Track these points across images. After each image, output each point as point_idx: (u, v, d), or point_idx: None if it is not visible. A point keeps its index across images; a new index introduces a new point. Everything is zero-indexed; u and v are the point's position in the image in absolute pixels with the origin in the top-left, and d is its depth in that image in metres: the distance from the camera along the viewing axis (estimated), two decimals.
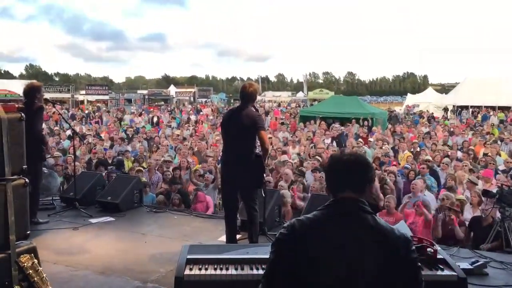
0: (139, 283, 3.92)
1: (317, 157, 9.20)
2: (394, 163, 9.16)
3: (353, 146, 10.92)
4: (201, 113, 27.11)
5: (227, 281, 3.08)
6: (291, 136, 13.69)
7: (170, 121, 21.02)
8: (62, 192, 7.12)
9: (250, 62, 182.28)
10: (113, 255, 4.66)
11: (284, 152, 10.37)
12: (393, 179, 7.37)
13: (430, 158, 9.25)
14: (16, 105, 2.73)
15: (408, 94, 41.32)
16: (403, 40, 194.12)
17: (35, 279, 2.16)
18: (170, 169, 8.26)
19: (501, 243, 4.98)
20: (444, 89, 63.08)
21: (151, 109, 30.32)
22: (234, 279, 3.08)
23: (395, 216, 5.93)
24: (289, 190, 6.81)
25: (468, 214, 6.11)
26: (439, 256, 3.34)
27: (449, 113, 27.54)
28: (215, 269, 3.14)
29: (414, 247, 1.70)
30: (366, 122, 17.09)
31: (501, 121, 21.39)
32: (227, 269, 3.14)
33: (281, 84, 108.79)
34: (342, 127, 15.32)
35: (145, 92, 50.01)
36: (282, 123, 18.10)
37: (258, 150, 4.63)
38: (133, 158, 10.18)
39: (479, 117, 24.04)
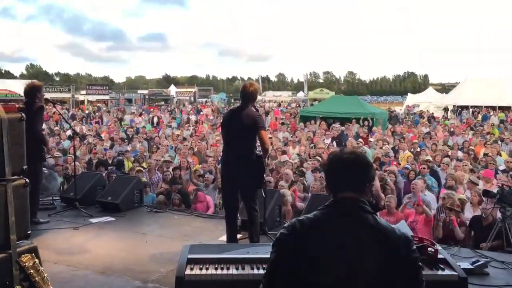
0: (139, 283, 3.92)
1: (317, 157, 9.19)
2: (394, 163, 9.14)
3: (353, 146, 10.90)
4: (201, 113, 27.11)
5: (228, 281, 3.08)
6: (291, 136, 13.70)
7: (170, 121, 21.03)
8: (63, 192, 7.11)
9: (251, 62, 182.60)
10: (114, 255, 4.66)
11: (284, 152, 10.36)
12: (394, 179, 7.37)
13: (431, 158, 9.24)
14: (17, 105, 2.73)
15: (409, 94, 41.32)
16: (403, 40, 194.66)
17: (36, 279, 2.15)
18: (170, 169, 8.26)
19: (502, 243, 4.99)
20: (445, 89, 63.05)
21: (151, 109, 30.33)
22: (235, 279, 3.08)
23: (395, 215, 5.93)
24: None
25: (469, 213, 6.11)
26: (439, 256, 3.34)
27: (449, 113, 27.50)
28: (216, 269, 3.14)
29: (414, 247, 1.69)
30: (366, 122, 17.08)
31: (502, 121, 21.38)
32: (228, 269, 3.14)
33: (281, 84, 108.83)
34: (343, 127, 15.31)
35: (145, 92, 49.91)
36: (282, 123, 18.11)
37: (258, 150, 4.63)
38: (133, 158, 10.19)
39: (480, 117, 24.01)
